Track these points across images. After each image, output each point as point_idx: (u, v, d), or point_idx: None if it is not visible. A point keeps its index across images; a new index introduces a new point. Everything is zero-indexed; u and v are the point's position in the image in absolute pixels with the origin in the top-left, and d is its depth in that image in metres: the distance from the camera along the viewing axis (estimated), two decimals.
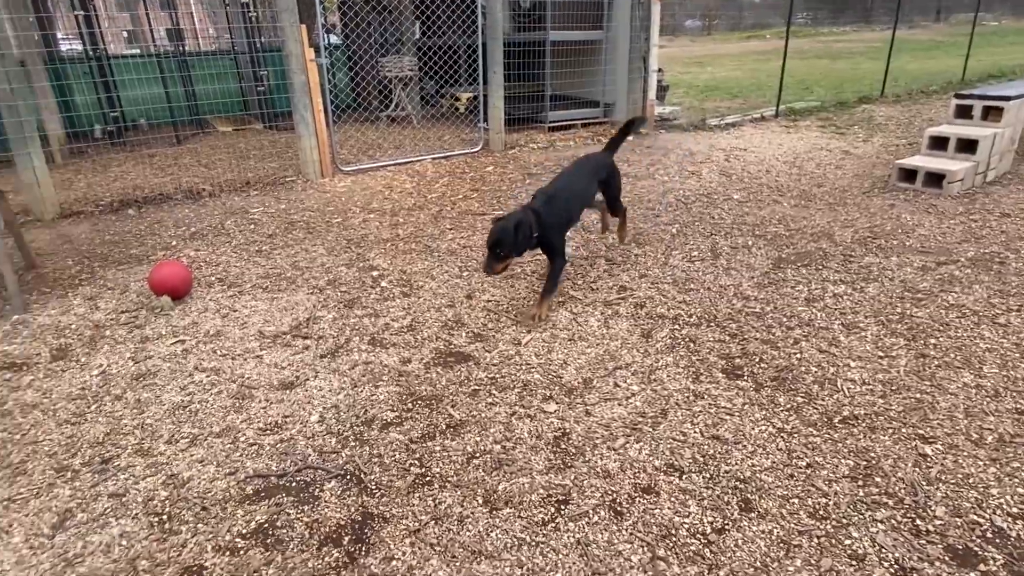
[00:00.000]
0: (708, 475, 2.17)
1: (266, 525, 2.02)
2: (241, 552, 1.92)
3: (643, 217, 4.87)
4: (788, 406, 2.54)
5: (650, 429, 2.42)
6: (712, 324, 3.21)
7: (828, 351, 2.93)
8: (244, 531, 2.00)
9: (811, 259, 3.98)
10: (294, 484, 2.20)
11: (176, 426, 2.55)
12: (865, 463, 2.21)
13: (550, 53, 7.93)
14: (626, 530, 1.95)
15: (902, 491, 2.08)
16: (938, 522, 1.94)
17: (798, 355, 2.90)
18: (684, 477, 2.17)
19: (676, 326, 3.20)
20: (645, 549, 1.88)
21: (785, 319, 3.24)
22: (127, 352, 3.14)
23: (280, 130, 8.38)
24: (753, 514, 2.00)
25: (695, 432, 2.40)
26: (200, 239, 4.72)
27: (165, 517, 2.07)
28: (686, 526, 1.96)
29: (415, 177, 6.32)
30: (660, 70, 11.28)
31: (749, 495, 2.08)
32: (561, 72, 8.14)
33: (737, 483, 2.13)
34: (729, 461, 2.24)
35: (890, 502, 2.03)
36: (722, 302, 3.44)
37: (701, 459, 2.25)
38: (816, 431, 2.38)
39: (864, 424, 2.42)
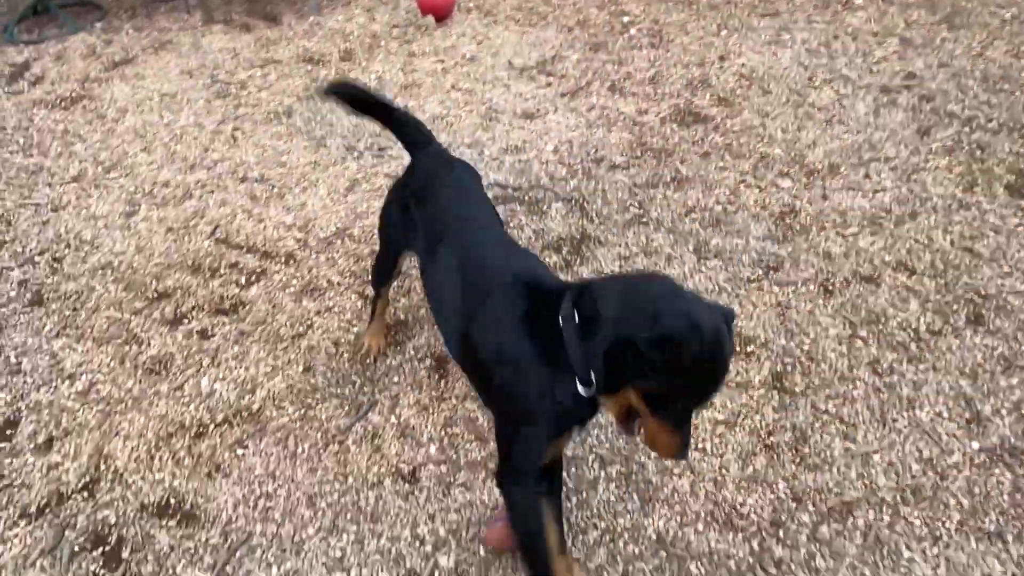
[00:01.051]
0: (943, 281, 2.02)
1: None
2: None
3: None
4: None
5: (891, 226, 2.24)
6: (1015, 133, 2.65)
7: None
8: None
9: None
10: (526, 198, 2.49)
11: (436, 132, 2.92)
12: None
13: None
14: (832, 306, 1.96)
15: None
16: None
17: None
18: (914, 277, 2.04)
19: (967, 129, 2.70)
20: (846, 326, 1.90)
21: None
22: (397, 63, 3.52)
23: None
24: (981, 328, 1.87)
25: (944, 240, 2.17)
26: None
27: None
28: (899, 319, 1.91)
29: None
30: None
31: (984, 311, 1.92)
32: None
33: (975, 296, 1.96)
34: (974, 275, 2.04)
35: None
36: None
37: (940, 266, 2.08)
38: None
39: None
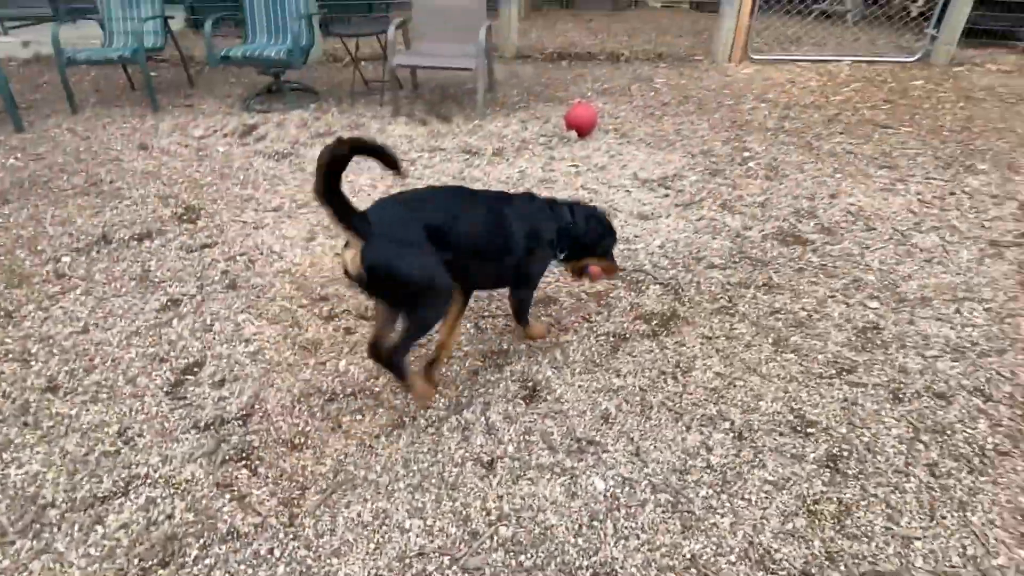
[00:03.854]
0: (1019, 412, 2.08)
1: (603, 291, 2.73)
2: (583, 299, 2.68)
3: None
4: None
5: (975, 356, 2.33)
6: None
7: None
8: (588, 289, 2.75)
9: None
10: (628, 277, 2.85)
11: None
12: None
13: None
14: (899, 412, 2.08)
15: None
16: None
17: None
18: (988, 403, 2.12)
19: None
20: (909, 430, 2.01)
21: None
22: (539, 163, 4.13)
23: (705, 11, 8.57)
24: None
25: None
26: (609, 95, 5.52)
27: None
28: (965, 434, 1.99)
29: (824, 76, 5.99)
30: None
31: None
32: None
33: None
34: None
35: None
36: None
37: (1020, 398, 2.14)
38: None
39: None
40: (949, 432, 2.01)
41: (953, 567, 1.61)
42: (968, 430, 2.01)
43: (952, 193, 3.64)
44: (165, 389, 2.21)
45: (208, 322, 2.56)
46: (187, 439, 2.00)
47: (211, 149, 4.38)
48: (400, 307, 1.88)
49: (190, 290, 2.78)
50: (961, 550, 1.65)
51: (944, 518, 1.74)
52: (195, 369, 2.30)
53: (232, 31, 7.35)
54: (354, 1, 8.10)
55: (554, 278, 2.83)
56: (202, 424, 2.06)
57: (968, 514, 1.75)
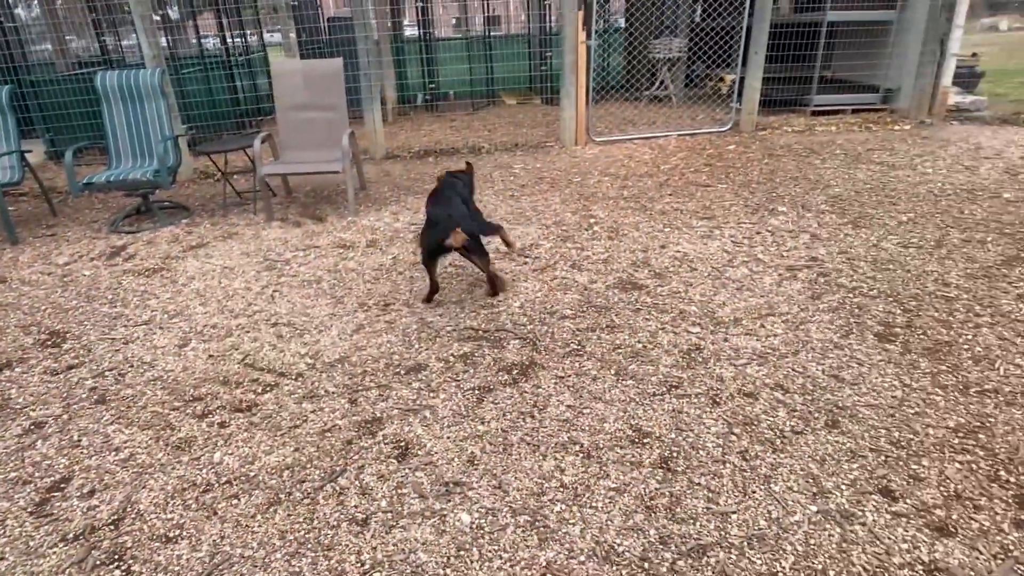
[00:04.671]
0: (809, 398, 2.52)
1: (469, 352, 2.99)
2: (451, 362, 2.92)
3: (875, 204, 4.77)
4: (928, 370, 2.66)
5: (775, 359, 2.79)
6: (890, 299, 3.29)
7: (1010, 339, 2.85)
8: (456, 353, 3.00)
9: None
10: (491, 337, 3.14)
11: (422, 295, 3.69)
12: (978, 423, 2.31)
13: (825, 34, 7.65)
14: (716, 413, 2.46)
15: (1002, 452, 2.17)
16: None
17: (969, 337, 2.90)
18: (786, 394, 2.55)
19: (851, 295, 3.36)
20: (724, 426, 2.37)
21: (979, 307, 3.16)
22: (411, 249, 4.45)
23: (554, 105, 9.58)
24: (836, 430, 2.32)
25: (817, 369, 2.70)
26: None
27: (413, 338, 3.18)
28: (768, 422, 2.38)
29: (656, 150, 6.89)
30: (975, 55, 9.80)
31: (840, 418, 2.38)
32: (835, 54, 7.78)
33: (834, 408, 2.44)
34: (836, 393, 2.53)
35: (981, 453, 2.16)
36: (915, 283, 3.45)
37: (810, 387, 2.59)
38: (942, 392, 2.50)
39: (1001, 397, 2.45)
40: (756, 423, 2.39)
41: (760, 529, 1.92)
42: (771, 418, 2.41)
43: (758, 232, 4.32)
44: (29, 509, 2.18)
45: (76, 438, 2.55)
46: (54, 553, 1.98)
47: (77, 274, 4.34)
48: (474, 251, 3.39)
49: (55, 411, 2.74)
50: (768, 515, 1.98)
51: (754, 492, 2.07)
52: (62, 485, 2.29)
53: (97, 158, 7.34)
54: (222, 120, 8.37)
55: (424, 347, 3.08)
56: (70, 536, 2.05)
57: (772, 485, 2.09)
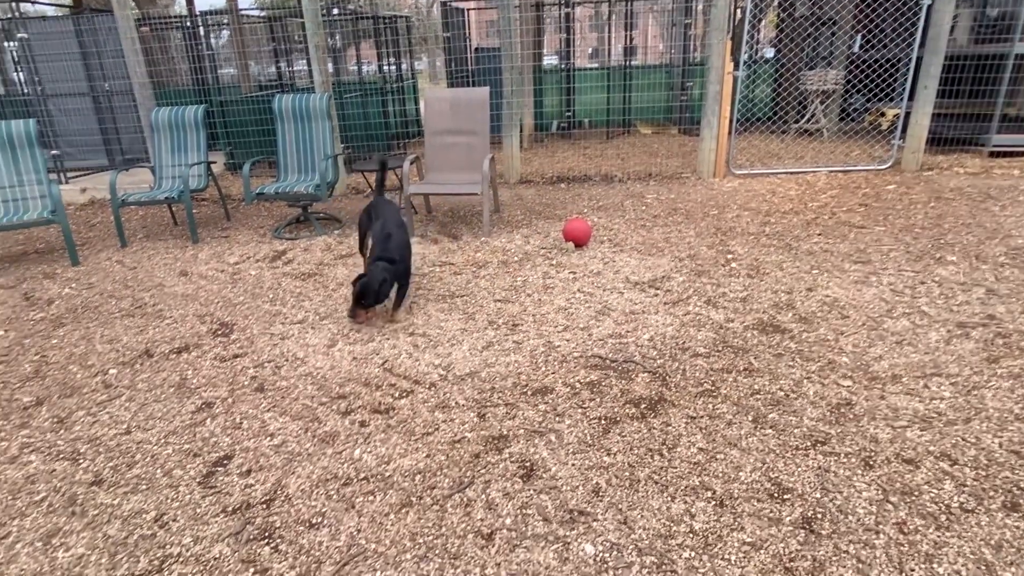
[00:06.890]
0: (983, 473, 2.22)
1: (596, 381, 2.97)
2: (577, 388, 2.92)
3: None
4: None
5: (941, 425, 2.50)
6: None
7: None
8: (583, 380, 2.99)
9: None
10: (619, 367, 3.10)
11: (556, 317, 3.72)
12: None
13: (1012, 68, 6.87)
14: (869, 477, 2.24)
15: None
16: None
17: None
18: (954, 466, 2.27)
19: None
20: (879, 492, 2.15)
21: None
22: (540, 271, 4.53)
23: (691, 135, 9.39)
24: (1016, 514, 2.03)
25: (993, 442, 2.39)
26: (604, 211, 6.04)
27: (540, 360, 3.22)
28: (931, 494, 2.13)
29: (803, 186, 6.50)
30: None
31: (1022, 500, 2.08)
32: (1021, 90, 6.96)
33: (1014, 488, 2.14)
34: (1018, 472, 2.22)
35: None
36: None
37: (984, 461, 2.28)
38: None
39: None
40: (917, 493, 2.15)
41: None
42: (935, 491, 2.16)
43: (923, 282, 3.92)
44: (198, 480, 2.44)
45: (237, 420, 2.83)
46: (216, 522, 2.21)
47: (244, 273, 4.86)
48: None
49: (222, 394, 3.07)
50: None
51: (912, 571, 1.86)
52: (225, 461, 2.55)
53: (265, 171, 8.23)
54: (374, 142, 9.06)
55: (551, 371, 3.10)
56: (230, 508, 2.27)
57: (935, 566, 1.86)
